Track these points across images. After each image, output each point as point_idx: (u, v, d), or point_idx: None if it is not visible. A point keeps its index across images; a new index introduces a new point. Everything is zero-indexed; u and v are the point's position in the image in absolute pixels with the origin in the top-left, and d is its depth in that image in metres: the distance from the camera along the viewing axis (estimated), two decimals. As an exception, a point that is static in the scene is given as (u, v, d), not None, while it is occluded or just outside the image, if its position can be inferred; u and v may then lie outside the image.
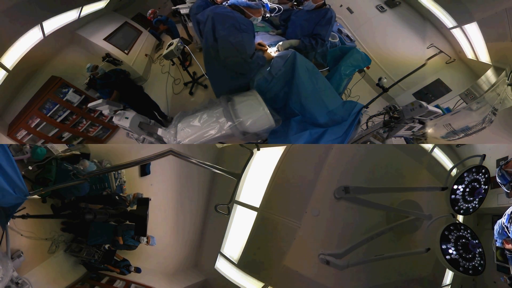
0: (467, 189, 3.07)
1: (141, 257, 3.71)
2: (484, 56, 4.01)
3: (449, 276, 3.65)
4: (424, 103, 2.65)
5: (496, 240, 2.58)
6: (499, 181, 2.59)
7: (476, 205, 3.14)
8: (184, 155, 2.08)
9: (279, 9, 2.88)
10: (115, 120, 2.65)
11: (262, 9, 2.49)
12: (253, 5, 2.42)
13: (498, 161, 3.35)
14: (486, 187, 3.10)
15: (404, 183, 3.40)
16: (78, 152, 3.15)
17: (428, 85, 4.51)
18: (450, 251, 2.94)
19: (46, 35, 3.93)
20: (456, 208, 3.11)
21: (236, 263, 3.54)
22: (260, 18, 2.52)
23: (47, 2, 3.77)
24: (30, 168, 2.78)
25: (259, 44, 2.84)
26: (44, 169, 2.83)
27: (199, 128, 2.37)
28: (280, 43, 2.86)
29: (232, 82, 2.67)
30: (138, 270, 3.50)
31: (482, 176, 3.06)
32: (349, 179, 3.14)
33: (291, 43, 2.93)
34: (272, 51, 2.80)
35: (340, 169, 3.20)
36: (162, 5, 6.21)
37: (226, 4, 2.45)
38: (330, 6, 3.02)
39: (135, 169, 3.81)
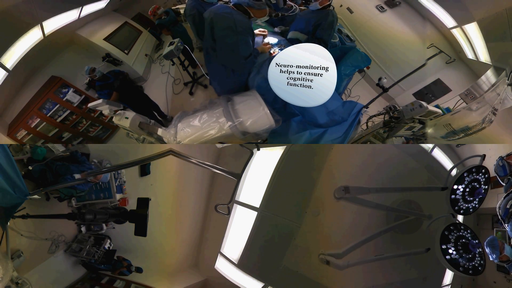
0: (467, 189, 3.06)
1: (141, 257, 3.72)
2: (484, 56, 4.01)
3: (449, 276, 3.65)
4: (424, 103, 2.66)
5: (490, 255, 2.56)
6: (497, 173, 2.59)
7: (476, 205, 3.13)
8: (184, 155, 2.08)
9: (295, 8, 2.93)
10: (115, 120, 2.65)
11: (267, 9, 2.50)
12: (255, 6, 2.42)
13: (498, 161, 3.35)
14: (486, 187, 3.10)
15: (404, 183, 3.40)
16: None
17: (428, 85, 4.51)
18: (450, 251, 2.94)
19: (46, 35, 3.93)
20: (456, 208, 3.10)
21: (236, 263, 3.54)
22: (264, 18, 2.53)
23: (47, 2, 3.77)
24: (30, 168, 2.79)
25: (260, 31, 2.98)
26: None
27: (199, 128, 2.37)
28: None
29: (230, 79, 2.69)
30: (139, 270, 3.50)
31: (482, 176, 3.06)
32: (349, 179, 3.14)
33: (298, 36, 2.96)
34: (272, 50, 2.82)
35: (340, 169, 3.20)
36: (162, 4, 6.20)
37: (231, 4, 2.46)
38: (333, 7, 3.03)
39: (135, 169, 3.81)
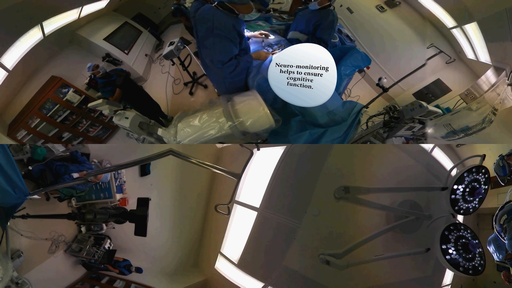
0: (467, 189, 3.07)
1: (141, 257, 3.71)
2: (484, 56, 4.01)
3: (449, 276, 3.65)
4: (424, 103, 2.65)
5: (495, 254, 2.56)
6: (497, 172, 2.59)
7: (476, 205, 3.14)
8: (184, 155, 2.08)
9: (285, 4, 2.91)
10: (115, 120, 2.65)
11: (250, 4, 2.35)
12: (236, 1, 2.29)
13: (498, 161, 3.34)
14: (486, 187, 3.10)
15: (404, 183, 3.40)
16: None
17: (428, 85, 4.51)
18: (450, 251, 2.94)
19: (46, 35, 3.93)
20: (456, 208, 3.11)
21: (236, 263, 3.54)
22: (252, 14, 2.40)
23: (47, 2, 3.77)
24: (30, 168, 2.79)
25: (261, 33, 2.95)
26: None
27: (199, 128, 2.37)
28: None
29: (227, 80, 2.67)
30: (139, 270, 3.50)
31: (482, 176, 3.07)
32: (349, 179, 3.14)
33: (298, 36, 2.96)
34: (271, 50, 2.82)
35: (340, 169, 3.20)
36: (162, 5, 6.20)
37: (215, 3, 2.35)
38: (334, 7, 3.03)
39: (135, 169, 3.81)
